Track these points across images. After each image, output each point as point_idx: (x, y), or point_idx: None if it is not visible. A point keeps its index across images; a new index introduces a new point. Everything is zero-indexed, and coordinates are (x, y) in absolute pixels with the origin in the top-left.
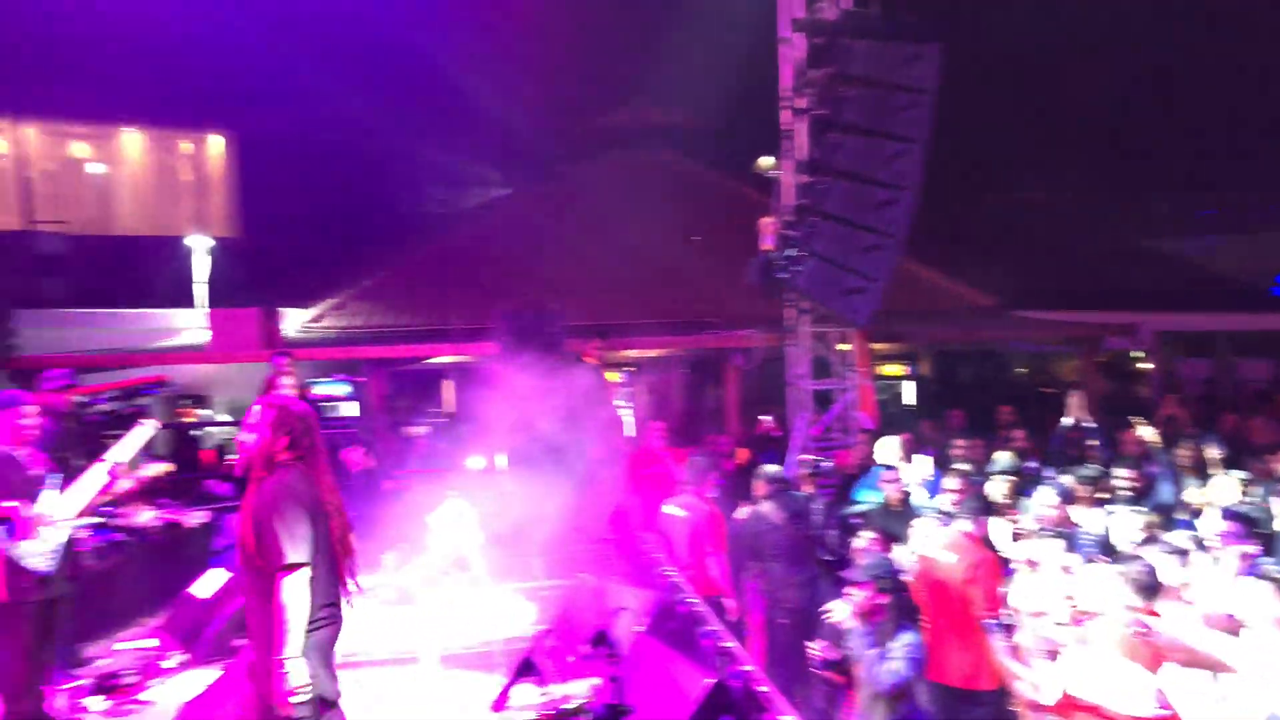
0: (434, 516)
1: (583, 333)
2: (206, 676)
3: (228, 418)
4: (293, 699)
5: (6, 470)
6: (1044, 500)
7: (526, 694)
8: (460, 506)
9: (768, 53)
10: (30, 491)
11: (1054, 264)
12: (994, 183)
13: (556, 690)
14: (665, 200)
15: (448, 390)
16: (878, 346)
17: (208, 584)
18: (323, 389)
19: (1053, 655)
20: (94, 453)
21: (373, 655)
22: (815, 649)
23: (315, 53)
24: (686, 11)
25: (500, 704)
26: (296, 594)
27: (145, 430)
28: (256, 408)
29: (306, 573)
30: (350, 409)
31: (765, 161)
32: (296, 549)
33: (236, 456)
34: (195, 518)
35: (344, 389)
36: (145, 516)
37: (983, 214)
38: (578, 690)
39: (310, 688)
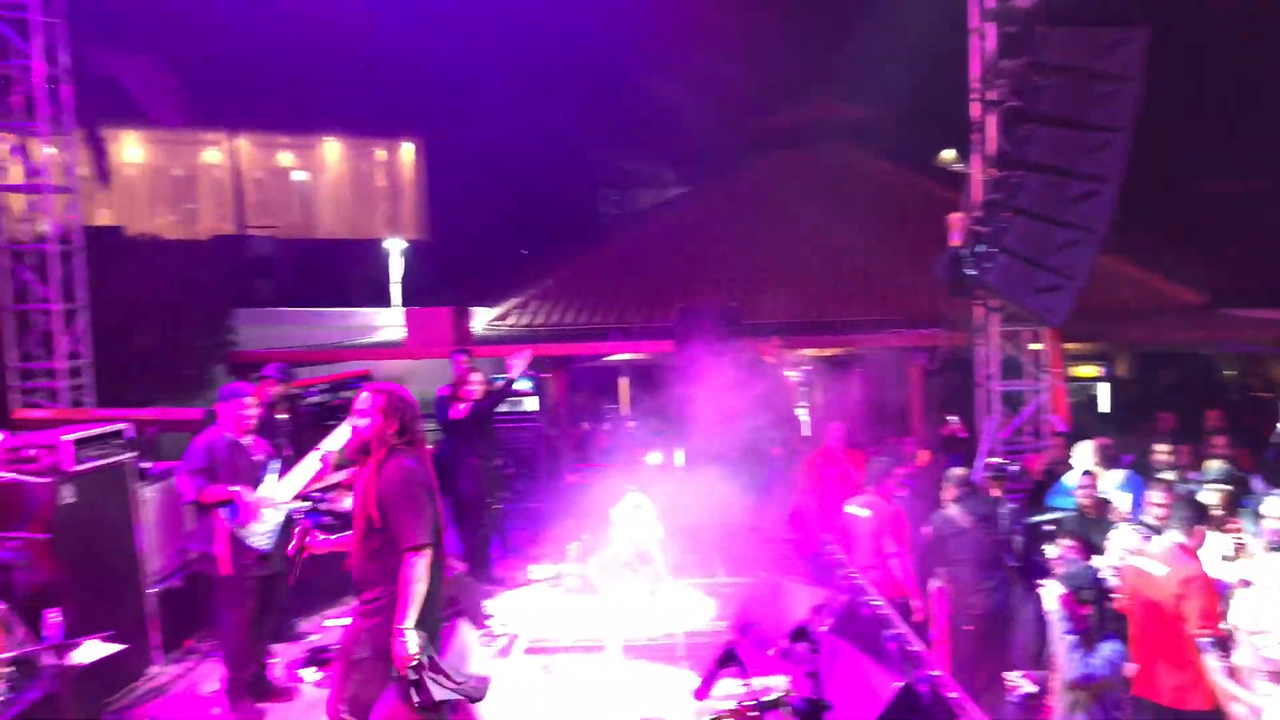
0: (616, 510)
1: (761, 331)
2: None
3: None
4: (408, 665)
5: (233, 456)
6: (1276, 510)
7: (728, 684)
8: (640, 501)
9: (954, 44)
10: (254, 476)
11: (1272, 258)
12: (1204, 170)
13: (757, 682)
14: (847, 196)
15: (624, 387)
16: (1070, 346)
17: None
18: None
19: (1276, 677)
20: (307, 441)
21: (559, 641)
22: (1014, 679)
23: (498, 61)
24: (869, 2)
25: (703, 693)
26: (421, 571)
27: None
28: (364, 394)
29: (430, 552)
30: (531, 404)
31: (947, 155)
32: (423, 529)
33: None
34: None
35: (526, 384)
36: (349, 502)
37: (1191, 204)
38: (778, 683)
39: (421, 655)
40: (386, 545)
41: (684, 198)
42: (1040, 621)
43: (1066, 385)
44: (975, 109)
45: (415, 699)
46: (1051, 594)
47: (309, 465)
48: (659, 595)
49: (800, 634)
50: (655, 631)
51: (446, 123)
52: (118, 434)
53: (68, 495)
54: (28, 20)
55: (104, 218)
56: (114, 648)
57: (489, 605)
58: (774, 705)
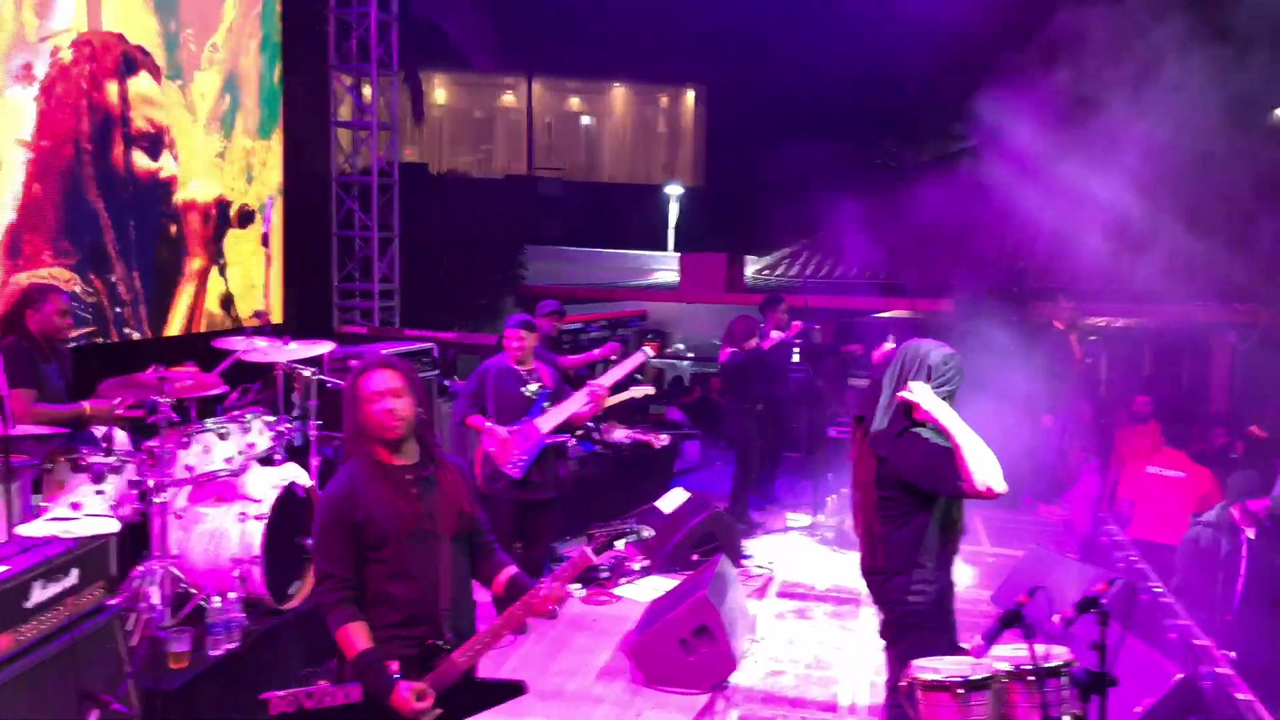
0: None
1: (1051, 294)
2: (666, 583)
3: (687, 353)
4: None
5: (500, 384)
6: None
7: (1009, 646)
8: None
9: None
10: (519, 405)
11: None
12: None
13: (1040, 647)
14: (1154, 153)
15: (891, 345)
16: None
17: (670, 500)
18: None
19: None
20: (583, 374)
21: (815, 588)
22: None
23: (782, 6)
24: None
25: (981, 650)
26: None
27: (638, 358)
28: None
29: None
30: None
31: None
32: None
33: (693, 388)
34: (661, 440)
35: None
36: (619, 434)
37: None
38: (1061, 651)
39: None
40: None
41: (975, 151)
42: None
43: None
44: None
45: None
46: None
47: (576, 399)
48: None
49: (1088, 605)
50: None
51: (728, 70)
52: (427, 352)
53: None
54: None
55: (411, 155)
56: None
57: (748, 546)
58: (1054, 673)
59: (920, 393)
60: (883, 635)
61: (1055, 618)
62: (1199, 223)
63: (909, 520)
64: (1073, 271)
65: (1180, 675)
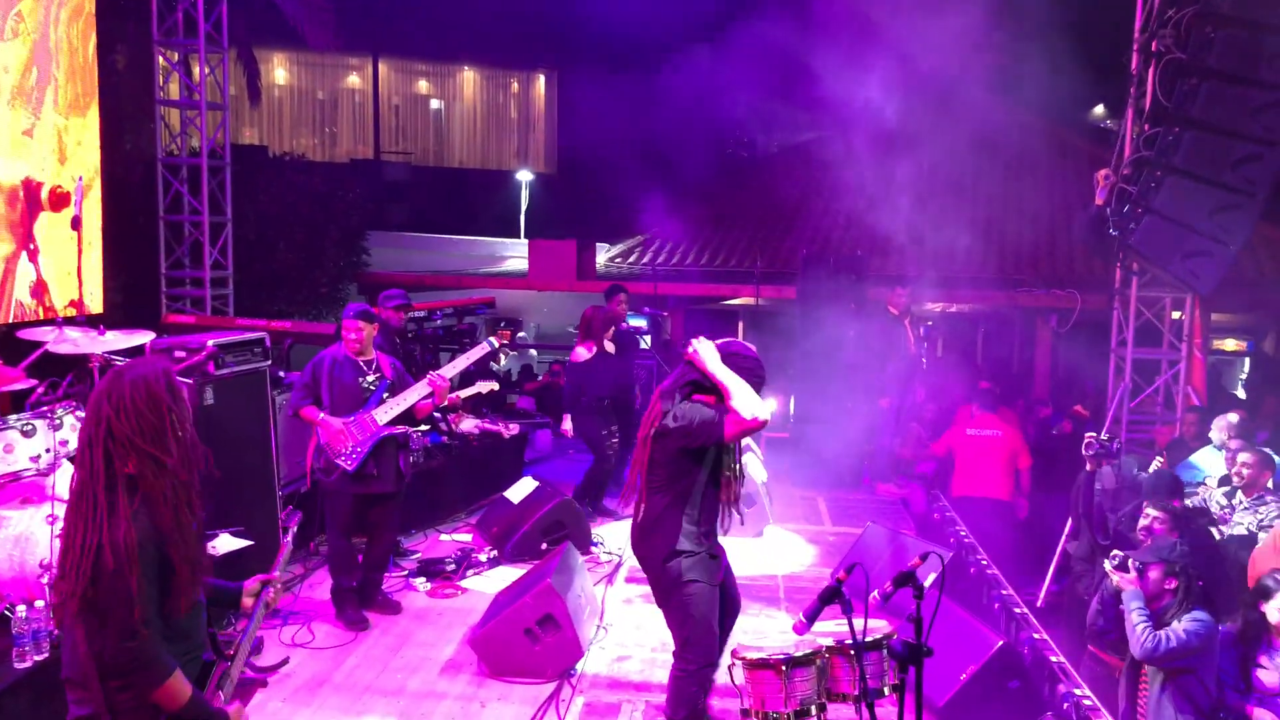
0: None
1: (888, 281)
2: (513, 573)
3: (535, 341)
4: None
5: (335, 375)
6: None
7: (829, 622)
8: (747, 444)
9: None
10: (356, 396)
11: None
12: None
13: (859, 622)
14: (985, 148)
15: (740, 331)
16: (1216, 317)
17: (519, 490)
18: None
19: None
20: (428, 363)
21: None
22: (1114, 561)
23: None
24: None
25: (803, 627)
26: None
27: (482, 349)
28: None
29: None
30: (644, 343)
31: (1099, 110)
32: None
33: (542, 377)
34: (511, 430)
35: (640, 323)
36: (467, 424)
37: None
38: (880, 625)
39: None
40: None
41: (815, 143)
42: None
43: (1206, 358)
44: (1135, 60)
45: None
46: (1127, 566)
47: (417, 390)
48: (762, 538)
49: (905, 580)
50: (755, 572)
51: (580, 57)
52: (259, 342)
53: (209, 397)
54: None
55: (250, 137)
56: (244, 543)
57: (597, 533)
58: (874, 646)
59: (702, 346)
60: (658, 601)
61: (874, 594)
62: (1023, 213)
63: (676, 483)
64: (907, 258)
65: (1001, 642)
